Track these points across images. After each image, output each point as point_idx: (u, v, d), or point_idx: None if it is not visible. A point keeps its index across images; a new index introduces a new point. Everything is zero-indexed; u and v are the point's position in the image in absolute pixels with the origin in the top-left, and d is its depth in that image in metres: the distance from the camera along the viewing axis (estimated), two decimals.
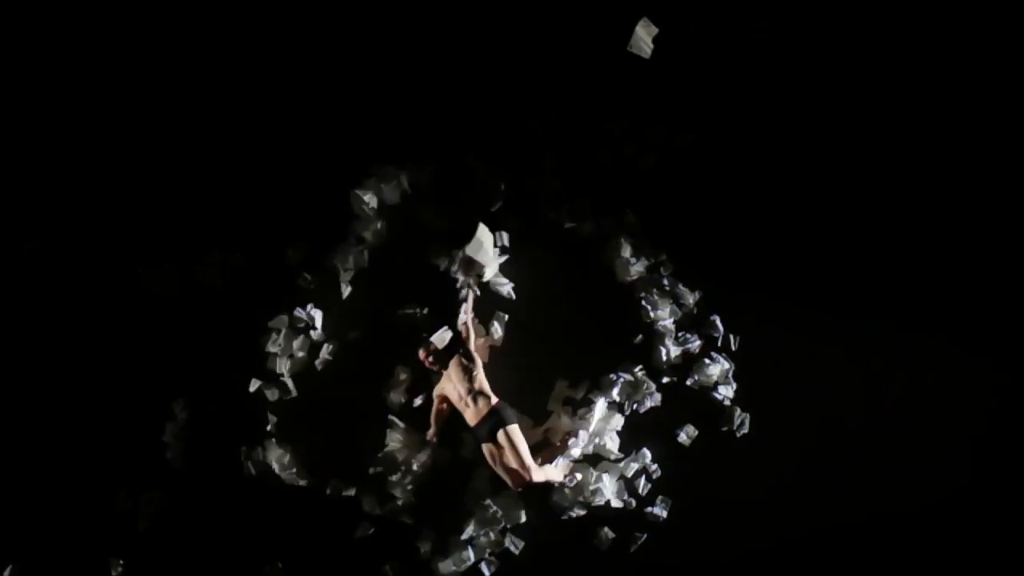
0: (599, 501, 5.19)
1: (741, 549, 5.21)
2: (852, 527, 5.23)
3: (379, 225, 5.58)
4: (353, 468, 5.32)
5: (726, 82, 5.75)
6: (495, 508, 5.20)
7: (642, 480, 5.26)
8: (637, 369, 5.35)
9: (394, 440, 5.31)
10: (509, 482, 5.07)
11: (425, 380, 5.36)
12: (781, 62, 5.74)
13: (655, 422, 5.34)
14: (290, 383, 5.40)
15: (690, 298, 5.48)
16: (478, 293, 5.40)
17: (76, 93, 5.80)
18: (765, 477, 5.25)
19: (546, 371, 5.39)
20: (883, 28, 5.73)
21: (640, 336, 5.44)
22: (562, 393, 5.36)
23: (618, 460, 5.27)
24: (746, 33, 5.72)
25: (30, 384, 5.49)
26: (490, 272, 5.45)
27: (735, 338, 5.45)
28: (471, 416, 5.12)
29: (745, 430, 5.32)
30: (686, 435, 5.32)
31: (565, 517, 5.21)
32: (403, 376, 5.40)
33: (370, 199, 5.53)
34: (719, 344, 5.45)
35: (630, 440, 5.30)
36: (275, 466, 5.28)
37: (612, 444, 5.28)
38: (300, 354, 5.43)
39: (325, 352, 5.44)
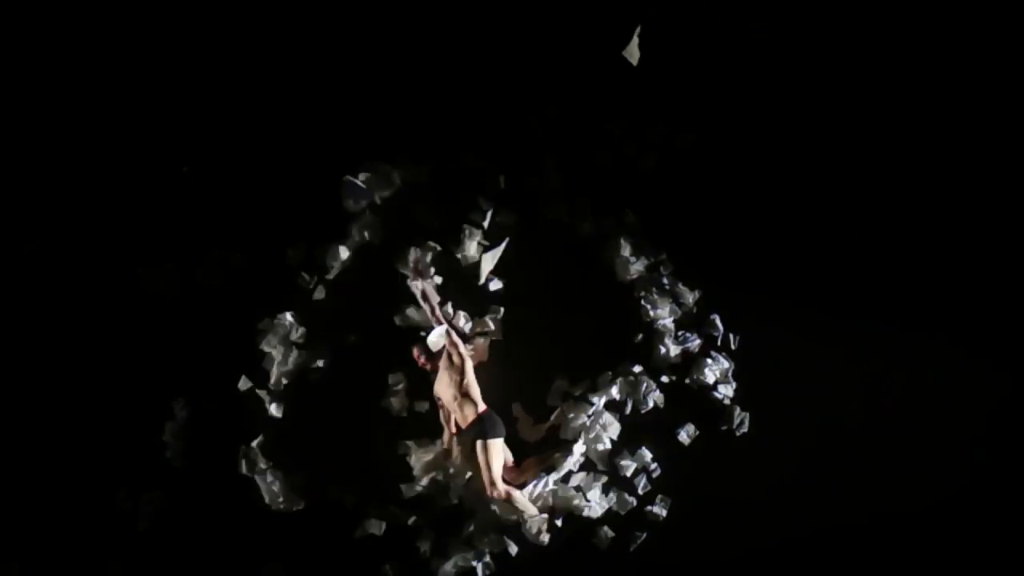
0: (592, 514, 5.19)
1: (741, 548, 5.20)
2: (851, 527, 5.22)
3: (371, 222, 5.59)
4: (353, 470, 5.33)
5: (726, 82, 5.76)
6: (495, 508, 5.20)
7: (642, 479, 5.26)
8: (636, 368, 5.36)
9: (419, 465, 5.29)
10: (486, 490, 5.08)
11: (424, 381, 5.36)
12: (781, 62, 5.75)
13: (655, 421, 5.34)
14: (272, 405, 5.39)
15: (690, 297, 5.49)
16: (430, 294, 5.37)
17: (76, 94, 5.82)
18: (765, 476, 5.25)
19: (546, 370, 5.39)
20: (883, 28, 5.74)
21: (640, 335, 5.44)
22: (561, 392, 5.36)
23: (605, 471, 5.26)
24: (746, 33, 5.73)
25: (30, 384, 5.49)
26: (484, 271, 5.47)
27: (735, 337, 5.45)
28: (460, 420, 5.12)
29: (745, 429, 5.31)
30: (686, 434, 5.32)
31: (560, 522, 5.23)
32: (400, 384, 5.39)
33: (363, 181, 5.54)
34: (719, 343, 5.45)
35: (630, 440, 5.30)
36: (266, 497, 5.27)
37: (612, 431, 5.28)
38: (289, 363, 5.43)
39: (303, 358, 5.45)
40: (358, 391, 5.40)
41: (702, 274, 5.53)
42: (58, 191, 5.71)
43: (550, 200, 5.64)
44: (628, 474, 5.27)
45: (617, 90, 5.73)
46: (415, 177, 5.66)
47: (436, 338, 5.22)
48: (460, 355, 5.16)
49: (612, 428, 5.28)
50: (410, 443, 5.30)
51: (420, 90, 5.81)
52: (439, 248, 5.50)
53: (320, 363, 5.44)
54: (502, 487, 5.03)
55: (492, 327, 5.41)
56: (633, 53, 5.28)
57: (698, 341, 5.43)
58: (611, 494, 5.23)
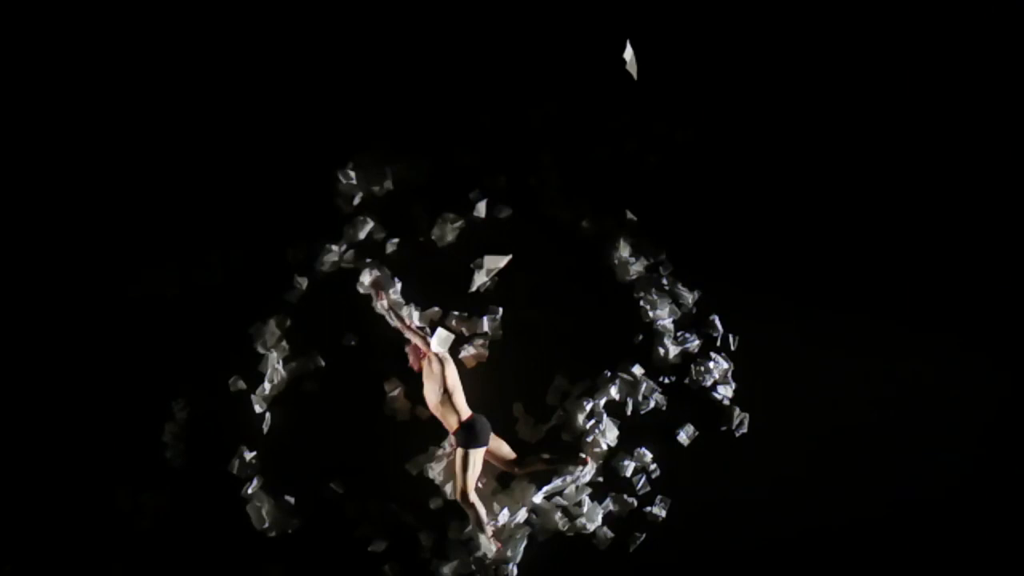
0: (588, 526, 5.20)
1: (740, 548, 5.21)
2: (851, 526, 5.22)
3: (365, 221, 5.59)
4: (353, 473, 5.33)
5: (725, 82, 5.75)
6: (496, 506, 5.20)
7: (642, 480, 5.26)
8: (636, 368, 5.36)
9: (441, 474, 5.28)
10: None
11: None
12: (781, 62, 5.75)
13: (655, 422, 5.34)
14: (265, 413, 5.40)
15: (689, 298, 5.49)
16: (397, 310, 5.35)
17: (75, 94, 5.82)
18: (764, 476, 5.25)
19: (546, 370, 5.38)
20: (883, 27, 5.73)
21: (640, 335, 5.44)
22: (561, 392, 5.36)
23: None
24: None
25: (30, 384, 5.49)
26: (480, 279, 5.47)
27: (735, 338, 5.45)
28: (445, 425, 5.11)
29: (744, 430, 5.32)
30: (685, 435, 5.32)
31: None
32: (396, 390, 5.38)
33: (352, 176, 5.56)
34: (719, 344, 5.45)
35: (630, 440, 5.30)
36: (255, 523, 5.26)
37: (610, 436, 5.28)
38: (279, 367, 5.43)
39: (297, 364, 5.45)
40: (355, 395, 5.40)
41: (702, 274, 5.53)
42: (58, 191, 5.71)
43: (549, 199, 5.64)
44: (628, 474, 5.27)
45: (617, 87, 5.73)
46: (413, 175, 5.66)
47: (442, 338, 5.22)
48: (439, 361, 5.13)
49: (611, 434, 5.28)
50: (421, 458, 5.29)
51: (421, 88, 5.81)
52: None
53: (320, 362, 5.44)
54: (472, 499, 5.01)
55: (486, 328, 5.41)
56: (632, 66, 5.29)
57: (698, 341, 5.43)
58: (602, 508, 5.22)
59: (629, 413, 5.33)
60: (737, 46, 5.78)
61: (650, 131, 5.73)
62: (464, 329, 5.40)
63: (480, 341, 5.40)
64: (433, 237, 5.55)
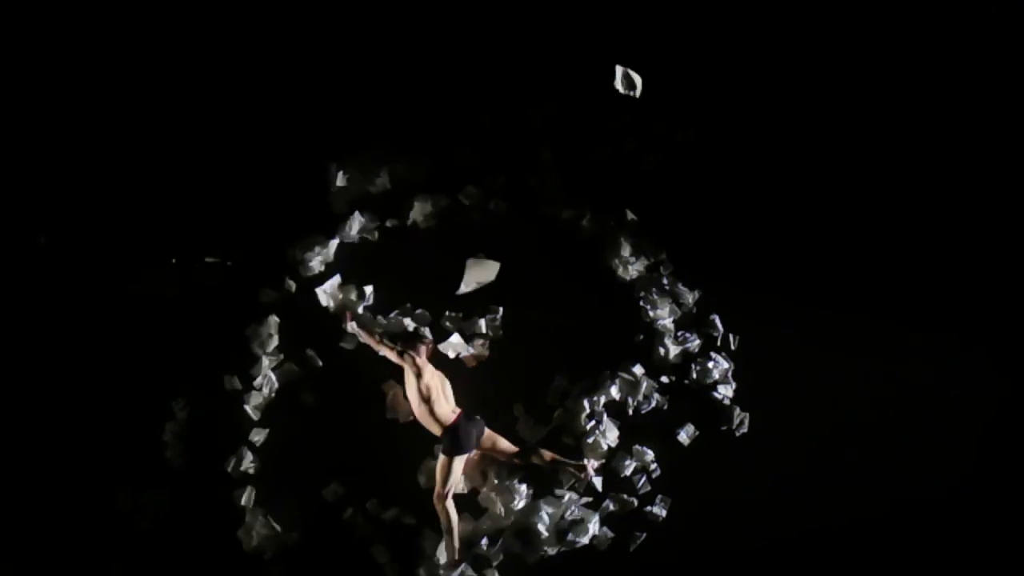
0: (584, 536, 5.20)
1: (740, 548, 5.20)
2: (851, 526, 5.22)
3: (358, 218, 5.59)
4: (352, 473, 5.33)
5: (725, 83, 5.76)
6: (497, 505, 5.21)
7: (642, 479, 5.26)
8: (637, 368, 5.36)
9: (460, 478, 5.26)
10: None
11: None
12: (780, 62, 5.75)
13: (655, 421, 5.34)
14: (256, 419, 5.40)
15: (689, 298, 5.49)
16: (367, 329, 5.33)
17: (75, 95, 5.82)
18: (764, 476, 5.24)
19: (546, 370, 5.38)
20: (882, 27, 5.74)
21: (640, 335, 5.44)
22: (561, 392, 5.36)
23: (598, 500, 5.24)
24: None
25: (31, 384, 5.48)
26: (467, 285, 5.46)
27: (735, 338, 5.45)
28: (430, 430, 5.11)
29: (744, 429, 5.31)
30: (686, 434, 5.32)
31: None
32: (392, 392, 5.38)
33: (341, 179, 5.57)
34: (719, 344, 5.45)
35: (630, 440, 5.30)
36: (244, 543, 5.24)
37: (610, 436, 5.28)
38: (271, 371, 5.42)
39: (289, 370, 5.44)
40: (355, 395, 5.40)
41: (702, 274, 5.53)
42: (58, 191, 5.71)
43: (549, 199, 5.64)
44: (628, 474, 5.26)
45: (617, 88, 5.74)
46: (412, 174, 5.66)
47: (453, 343, 5.23)
48: (413, 374, 5.12)
49: (611, 434, 5.28)
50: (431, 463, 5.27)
51: (420, 88, 5.81)
52: None
53: (318, 362, 5.45)
54: (447, 504, 5.00)
55: (484, 328, 5.41)
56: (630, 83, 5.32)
57: (698, 341, 5.43)
58: (594, 523, 5.20)
59: (631, 413, 5.33)
60: (737, 46, 5.78)
61: (650, 131, 5.73)
62: (462, 329, 5.41)
63: (480, 341, 5.40)
64: (413, 219, 5.54)
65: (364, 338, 5.30)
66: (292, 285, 5.53)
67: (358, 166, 5.66)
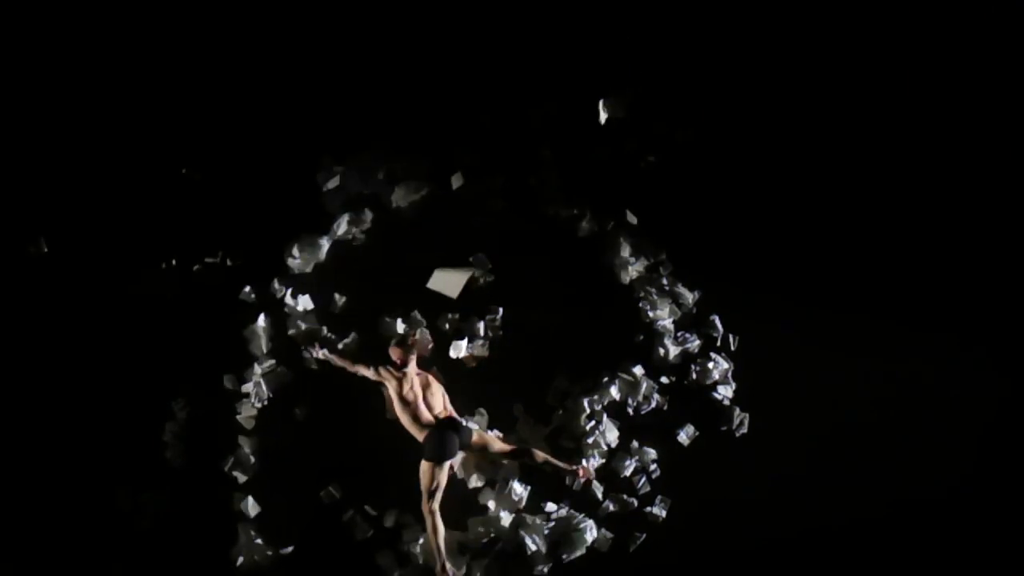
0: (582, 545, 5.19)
1: (740, 548, 5.20)
2: (851, 526, 5.22)
3: (349, 218, 5.59)
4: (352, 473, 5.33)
5: (725, 83, 5.75)
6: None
7: (642, 479, 5.26)
8: (637, 369, 5.35)
9: (465, 470, 5.26)
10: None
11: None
12: (780, 63, 5.74)
13: (655, 422, 5.33)
14: (252, 408, 5.39)
15: (689, 298, 5.49)
16: (338, 356, 5.31)
17: (74, 95, 5.82)
18: (764, 476, 5.24)
19: (546, 370, 5.38)
20: (882, 26, 5.73)
21: (640, 336, 5.44)
22: (561, 392, 5.36)
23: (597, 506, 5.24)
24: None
25: (31, 384, 5.48)
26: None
27: (735, 338, 5.45)
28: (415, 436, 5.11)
29: (744, 430, 5.31)
30: (686, 435, 5.31)
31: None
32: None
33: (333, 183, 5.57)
34: (719, 344, 5.45)
35: (630, 440, 5.30)
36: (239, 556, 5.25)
37: (610, 436, 5.28)
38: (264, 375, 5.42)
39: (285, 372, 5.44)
40: (354, 396, 5.39)
41: (702, 274, 5.53)
42: (58, 191, 5.71)
43: (549, 199, 5.64)
44: (628, 474, 5.26)
45: (616, 87, 5.74)
46: (411, 173, 5.66)
47: (458, 345, 5.25)
48: (395, 378, 5.12)
49: (611, 434, 5.27)
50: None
51: (420, 88, 5.81)
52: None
53: (315, 362, 5.44)
54: (433, 508, 4.98)
55: (481, 329, 5.41)
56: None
57: (698, 342, 5.43)
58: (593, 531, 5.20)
59: (631, 413, 5.33)
60: (737, 46, 5.78)
61: (650, 131, 5.73)
62: (460, 330, 5.41)
63: (480, 341, 5.40)
64: (396, 203, 5.54)
65: (337, 363, 5.29)
66: (281, 289, 5.51)
67: (358, 166, 5.65)
